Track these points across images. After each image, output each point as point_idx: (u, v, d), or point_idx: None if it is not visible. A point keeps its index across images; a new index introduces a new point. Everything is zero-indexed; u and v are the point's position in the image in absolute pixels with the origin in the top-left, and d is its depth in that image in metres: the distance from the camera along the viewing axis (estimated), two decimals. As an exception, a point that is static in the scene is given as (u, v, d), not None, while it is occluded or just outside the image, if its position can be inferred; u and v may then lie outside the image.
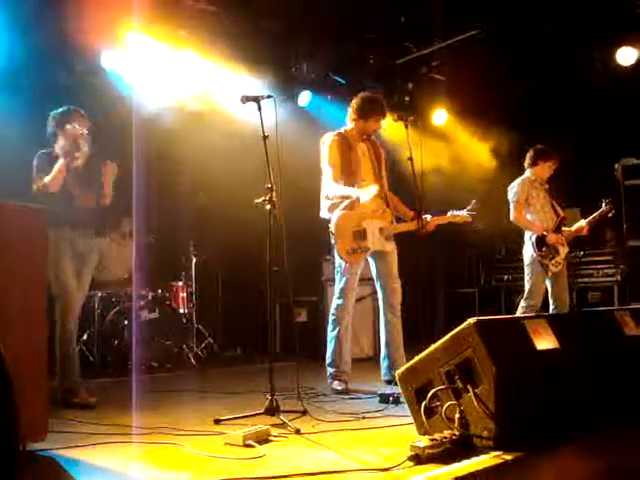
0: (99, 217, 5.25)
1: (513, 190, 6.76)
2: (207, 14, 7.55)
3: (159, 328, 7.56)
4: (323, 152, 5.72)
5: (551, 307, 6.68)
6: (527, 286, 6.64)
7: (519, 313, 6.51)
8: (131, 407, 4.82)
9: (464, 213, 5.89)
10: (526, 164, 6.87)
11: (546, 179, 6.85)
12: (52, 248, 4.88)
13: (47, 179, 4.94)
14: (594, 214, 6.84)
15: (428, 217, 5.73)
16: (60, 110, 5.21)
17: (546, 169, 6.81)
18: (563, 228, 6.76)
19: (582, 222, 6.82)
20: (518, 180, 6.80)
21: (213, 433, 3.88)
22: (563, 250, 6.65)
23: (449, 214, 5.92)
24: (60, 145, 5.06)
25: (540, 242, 6.60)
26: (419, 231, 5.61)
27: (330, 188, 5.65)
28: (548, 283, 6.66)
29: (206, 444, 3.60)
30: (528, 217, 6.72)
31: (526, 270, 6.68)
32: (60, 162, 4.99)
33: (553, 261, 6.58)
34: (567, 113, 8.94)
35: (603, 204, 6.82)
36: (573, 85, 8.68)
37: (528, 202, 6.73)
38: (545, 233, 6.61)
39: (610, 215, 6.89)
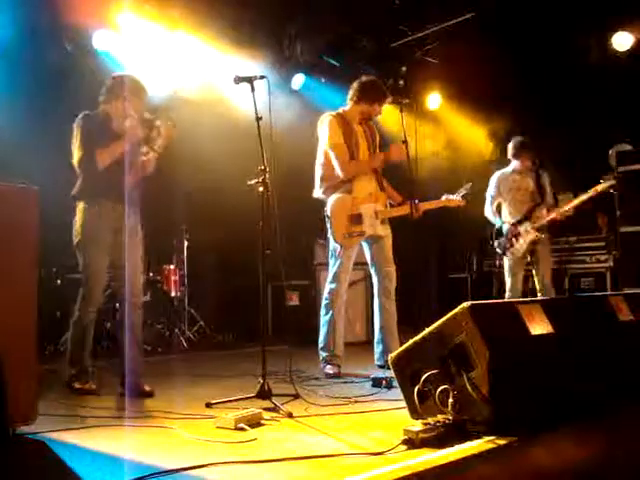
0: (138, 192, 4.99)
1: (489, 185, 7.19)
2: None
3: (150, 311, 7.54)
4: (322, 133, 5.68)
5: (538, 293, 6.92)
6: (506, 278, 7.07)
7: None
8: (127, 394, 4.78)
9: (458, 197, 5.90)
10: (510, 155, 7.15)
11: (527, 169, 7.04)
12: (92, 225, 4.72)
13: (99, 156, 4.67)
14: (580, 197, 6.89)
15: (416, 201, 5.70)
16: (127, 76, 4.98)
17: (522, 161, 7.03)
18: (538, 214, 6.94)
19: (553, 214, 6.91)
20: (493, 176, 7.20)
21: (204, 416, 3.85)
22: (527, 237, 6.87)
23: (443, 198, 5.92)
24: (133, 130, 4.78)
25: (498, 233, 7.06)
26: (411, 215, 5.58)
27: (339, 168, 5.60)
28: (533, 270, 6.97)
29: (197, 427, 3.58)
30: (504, 209, 7.10)
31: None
32: (122, 145, 4.75)
33: (512, 249, 6.95)
34: (562, 98, 8.90)
35: (600, 181, 6.86)
36: (568, 70, 8.65)
37: (500, 195, 7.11)
38: (502, 225, 7.03)
39: (613, 191, 6.96)
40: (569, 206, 6.82)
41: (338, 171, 5.60)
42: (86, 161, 4.70)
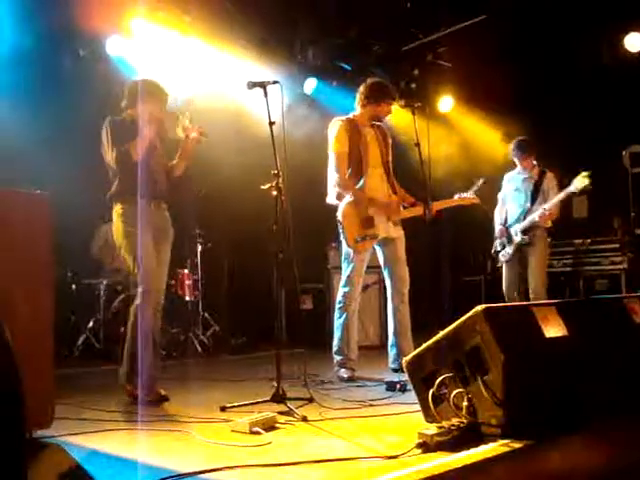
0: (170, 192, 5.02)
1: None
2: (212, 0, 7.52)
3: (165, 316, 7.53)
4: (330, 139, 5.69)
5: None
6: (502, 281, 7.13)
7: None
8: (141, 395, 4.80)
9: (470, 194, 5.92)
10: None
11: (529, 170, 7.01)
12: (132, 223, 4.66)
13: (132, 148, 4.66)
14: (552, 201, 6.82)
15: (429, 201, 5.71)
16: (147, 80, 5.02)
17: (521, 162, 7.02)
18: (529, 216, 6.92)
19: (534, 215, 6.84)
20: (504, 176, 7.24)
21: (219, 420, 3.87)
22: (515, 240, 6.91)
23: (456, 197, 5.93)
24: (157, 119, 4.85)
25: (495, 235, 7.17)
26: (425, 216, 5.57)
27: (336, 182, 5.62)
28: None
29: (213, 431, 3.59)
30: (506, 211, 7.16)
31: None
32: (151, 130, 4.78)
33: (503, 252, 7.03)
34: (574, 99, 8.88)
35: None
36: (581, 71, 8.62)
37: (504, 197, 7.18)
38: (496, 228, 7.14)
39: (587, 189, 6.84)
40: (548, 205, 6.77)
41: (336, 177, 5.62)
42: (121, 159, 4.70)
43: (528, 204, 6.92)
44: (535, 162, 7.01)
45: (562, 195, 6.69)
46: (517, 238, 6.87)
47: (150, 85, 4.96)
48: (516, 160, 7.04)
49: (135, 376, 4.57)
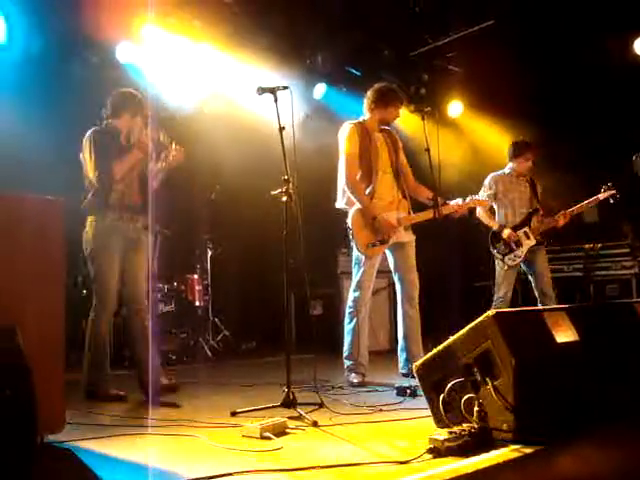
0: (146, 209, 5.16)
1: (483, 186, 7.01)
2: (221, 6, 7.54)
3: (175, 321, 7.57)
4: (341, 142, 5.70)
5: (538, 301, 6.83)
6: (498, 285, 6.91)
7: (493, 306, 6.69)
8: (147, 399, 4.82)
9: (482, 197, 5.93)
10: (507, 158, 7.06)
11: (525, 172, 6.97)
12: (101, 238, 4.89)
13: (116, 167, 4.88)
14: (580, 204, 6.89)
15: (452, 202, 5.72)
16: (129, 91, 5.20)
17: (522, 162, 6.91)
18: (536, 220, 6.86)
19: (559, 215, 6.82)
20: (489, 176, 7.02)
21: (230, 425, 3.87)
22: (527, 243, 6.77)
23: (468, 199, 5.89)
24: (144, 142, 4.99)
25: (495, 237, 6.89)
26: (434, 216, 5.57)
27: (345, 183, 5.62)
28: (530, 278, 6.92)
29: (223, 436, 3.59)
30: (499, 212, 6.96)
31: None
32: (135, 155, 4.97)
33: (510, 255, 6.79)
34: (583, 104, 8.86)
35: (602, 190, 6.86)
36: (589, 76, 8.60)
37: (497, 197, 6.94)
38: (500, 228, 6.84)
39: (612, 201, 6.85)
40: (568, 211, 6.79)
41: (343, 178, 5.62)
42: (104, 176, 4.88)
43: (535, 207, 6.88)
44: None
45: (591, 200, 6.80)
46: (531, 241, 6.75)
47: (134, 97, 5.15)
48: (515, 160, 6.92)
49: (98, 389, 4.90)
